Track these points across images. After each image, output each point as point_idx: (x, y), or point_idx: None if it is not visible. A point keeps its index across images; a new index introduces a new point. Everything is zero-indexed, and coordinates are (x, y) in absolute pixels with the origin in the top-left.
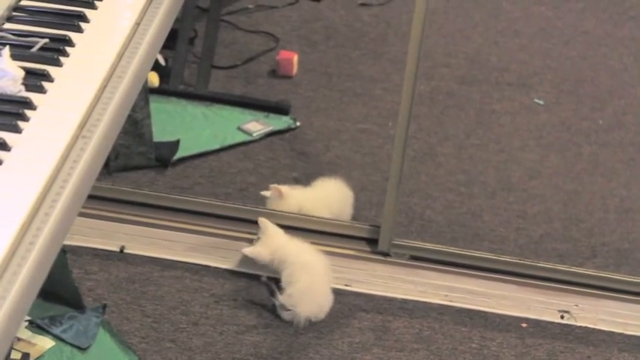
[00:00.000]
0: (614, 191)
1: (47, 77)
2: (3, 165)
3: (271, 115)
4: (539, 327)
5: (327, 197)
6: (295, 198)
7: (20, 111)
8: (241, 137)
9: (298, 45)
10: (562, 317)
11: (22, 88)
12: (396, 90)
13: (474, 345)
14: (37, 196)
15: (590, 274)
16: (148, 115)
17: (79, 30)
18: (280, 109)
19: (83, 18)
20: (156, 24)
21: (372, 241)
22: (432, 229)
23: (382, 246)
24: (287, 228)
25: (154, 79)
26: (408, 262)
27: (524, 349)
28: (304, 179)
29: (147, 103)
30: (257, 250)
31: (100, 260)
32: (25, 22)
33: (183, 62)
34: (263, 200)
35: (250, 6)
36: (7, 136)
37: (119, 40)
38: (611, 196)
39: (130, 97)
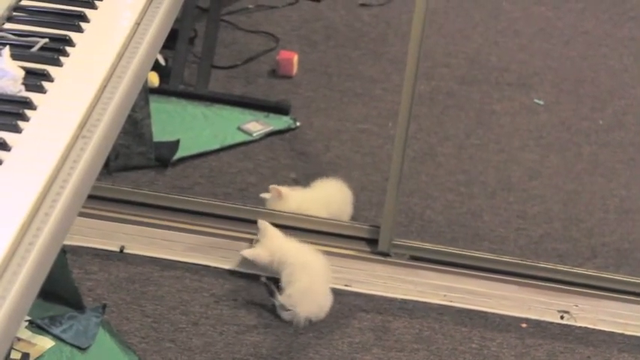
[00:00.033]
0: (614, 191)
1: (47, 77)
2: (3, 165)
3: (271, 115)
4: (539, 327)
5: (326, 198)
6: (294, 199)
7: (20, 111)
8: (241, 137)
9: (298, 45)
10: (562, 317)
11: (22, 88)
12: (396, 90)
13: (473, 345)
14: (37, 196)
15: (590, 275)
16: (148, 115)
17: (79, 30)
18: (280, 109)
19: (83, 18)
20: (156, 24)
21: (372, 242)
22: (432, 229)
23: (382, 246)
24: (287, 228)
25: (153, 79)
26: (408, 263)
27: (524, 350)
28: (304, 179)
29: (147, 103)
30: (256, 252)
31: (100, 260)
32: (25, 22)
33: (183, 62)
34: (263, 200)
35: (250, 6)
36: (7, 136)
37: (119, 40)
38: (611, 196)
39: (130, 97)
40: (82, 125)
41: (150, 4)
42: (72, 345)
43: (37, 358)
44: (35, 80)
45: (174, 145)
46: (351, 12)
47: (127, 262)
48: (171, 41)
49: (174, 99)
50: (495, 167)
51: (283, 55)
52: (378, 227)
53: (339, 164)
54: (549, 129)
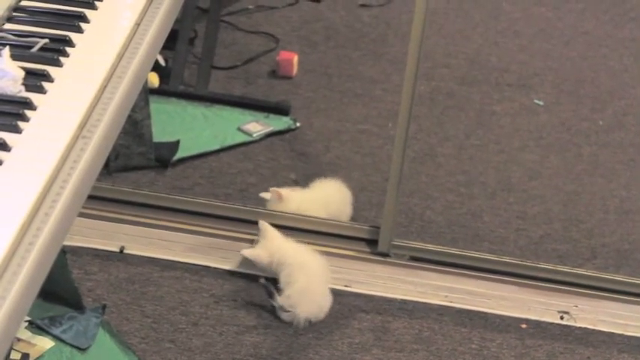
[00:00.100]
0: (614, 192)
1: (47, 77)
2: (3, 165)
3: (271, 116)
4: (539, 328)
5: (326, 198)
6: (294, 200)
7: (20, 111)
8: (241, 138)
9: (298, 45)
10: (562, 318)
11: (22, 88)
12: (396, 91)
13: (473, 346)
14: (37, 196)
15: (590, 275)
16: (148, 116)
17: (79, 30)
18: (280, 110)
19: (83, 18)
20: (156, 24)
21: (372, 242)
22: (431, 229)
23: (382, 247)
24: (287, 229)
25: (153, 80)
26: (408, 263)
27: (523, 350)
28: (304, 180)
29: (147, 103)
30: (256, 252)
31: (100, 261)
32: (25, 23)
33: (183, 63)
34: (263, 201)
35: (250, 6)
36: (7, 137)
37: (119, 40)
38: (611, 197)
39: (130, 97)
40: (82, 125)
41: (150, 4)
42: (72, 345)
43: (37, 358)
44: (35, 81)
45: (174, 145)
46: (351, 12)
47: (126, 263)
48: (171, 42)
49: (174, 99)
50: (495, 168)
51: (283, 55)
52: (378, 228)
53: (339, 165)
54: (549, 129)
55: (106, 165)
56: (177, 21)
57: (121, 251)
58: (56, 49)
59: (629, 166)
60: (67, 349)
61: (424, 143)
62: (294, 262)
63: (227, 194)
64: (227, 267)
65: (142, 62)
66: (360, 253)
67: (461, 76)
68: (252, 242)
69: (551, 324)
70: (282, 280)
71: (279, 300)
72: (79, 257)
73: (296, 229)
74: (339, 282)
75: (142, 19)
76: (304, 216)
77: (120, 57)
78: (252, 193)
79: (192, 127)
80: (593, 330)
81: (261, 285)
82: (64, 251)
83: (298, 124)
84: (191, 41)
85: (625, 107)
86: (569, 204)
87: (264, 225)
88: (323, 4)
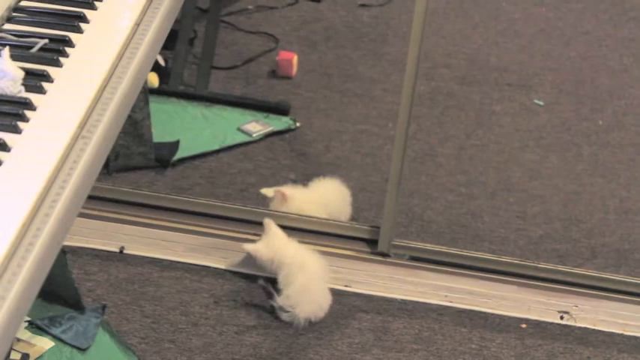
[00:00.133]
0: (614, 192)
1: (47, 78)
2: (3, 165)
3: (271, 116)
4: (538, 328)
5: (325, 197)
6: (297, 199)
7: (20, 111)
8: (241, 138)
9: (298, 46)
10: (562, 318)
11: (22, 88)
12: (395, 91)
13: (473, 346)
14: (37, 196)
15: (590, 275)
16: (148, 116)
17: (79, 31)
18: (280, 110)
19: (83, 19)
20: (156, 25)
21: (372, 242)
22: (431, 229)
23: (382, 247)
24: (287, 229)
25: (153, 80)
26: (408, 263)
27: (523, 350)
28: (304, 180)
29: (146, 103)
30: (257, 248)
31: (100, 261)
32: (24, 23)
33: (183, 63)
34: (263, 201)
35: (250, 7)
36: (7, 137)
37: (119, 40)
38: (611, 196)
39: (130, 97)
40: (82, 126)
41: (150, 4)
42: (71, 345)
43: (37, 358)
44: (35, 81)
45: (174, 145)
46: (351, 12)
47: (126, 263)
48: (171, 42)
49: (174, 99)
50: (495, 168)
51: (283, 55)
52: (378, 228)
53: (338, 165)
54: (549, 129)
55: (106, 165)
56: (177, 21)
57: (121, 251)
58: (56, 50)
59: (629, 166)
60: (67, 349)
61: (424, 143)
62: (293, 262)
63: (227, 194)
64: (227, 267)
65: (142, 62)
66: (360, 253)
67: (461, 76)
68: (253, 242)
69: (551, 324)
70: (281, 280)
71: (279, 300)
72: (79, 257)
73: (296, 229)
74: (339, 282)
75: (141, 20)
76: (304, 216)
77: (120, 57)
78: (252, 193)
79: (192, 127)
80: (593, 330)
81: (260, 286)
82: (64, 251)
83: (298, 124)
84: (191, 41)
85: (625, 107)
86: (569, 204)
87: (269, 223)
88: (323, 4)
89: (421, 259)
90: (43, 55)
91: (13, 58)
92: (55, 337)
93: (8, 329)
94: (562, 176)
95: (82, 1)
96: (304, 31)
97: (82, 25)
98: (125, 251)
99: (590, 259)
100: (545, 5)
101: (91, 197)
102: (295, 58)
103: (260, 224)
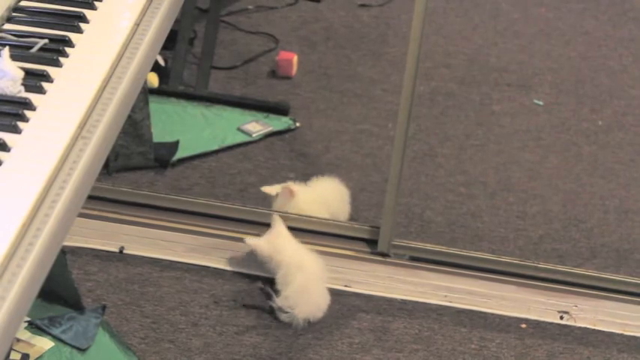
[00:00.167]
0: (614, 192)
1: (47, 78)
2: (3, 165)
3: (271, 116)
4: (538, 328)
5: (326, 197)
6: (300, 198)
7: (20, 112)
8: (241, 138)
9: (298, 46)
10: (561, 318)
11: (22, 88)
12: (395, 91)
13: (473, 346)
14: (37, 196)
15: (589, 275)
16: (148, 116)
17: (79, 31)
18: (280, 110)
19: (83, 19)
20: (155, 25)
21: (372, 242)
22: (431, 229)
23: (382, 247)
24: (287, 229)
25: (153, 80)
26: (408, 263)
27: (523, 350)
28: (303, 180)
29: (146, 103)
30: (259, 243)
31: (100, 261)
32: (24, 23)
33: (183, 63)
34: (262, 201)
35: (250, 7)
36: (7, 137)
37: (119, 40)
38: (610, 196)
39: (130, 97)
40: (82, 126)
41: (149, 4)
42: (71, 346)
43: (37, 358)
44: (35, 81)
45: (174, 145)
46: (351, 13)
47: (126, 263)
48: (170, 42)
49: (173, 100)
50: (495, 168)
51: (283, 55)
52: (378, 228)
53: (338, 165)
54: (549, 130)
55: (106, 165)
56: (177, 21)
57: (121, 251)
58: (56, 50)
59: (629, 166)
60: (67, 349)
61: (424, 143)
62: (291, 261)
63: (226, 194)
64: (227, 267)
65: (142, 62)
66: (359, 253)
67: (460, 77)
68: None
69: (551, 324)
70: (279, 280)
71: (278, 301)
72: (78, 257)
73: (296, 228)
74: (338, 282)
75: (141, 20)
76: (304, 216)
77: (119, 57)
78: (252, 193)
79: (191, 128)
80: (593, 330)
81: (258, 288)
82: (64, 251)
83: (298, 124)
84: (191, 41)
85: (624, 107)
86: (568, 204)
87: (276, 220)
88: (323, 4)
89: (421, 259)
90: (43, 55)
91: (13, 58)
92: (54, 338)
93: (8, 329)
94: (562, 176)
95: (81, 1)
96: (304, 31)
97: (82, 25)
98: (125, 251)
99: (589, 259)
100: (544, 5)
101: (90, 197)
102: (295, 59)
103: (260, 224)
